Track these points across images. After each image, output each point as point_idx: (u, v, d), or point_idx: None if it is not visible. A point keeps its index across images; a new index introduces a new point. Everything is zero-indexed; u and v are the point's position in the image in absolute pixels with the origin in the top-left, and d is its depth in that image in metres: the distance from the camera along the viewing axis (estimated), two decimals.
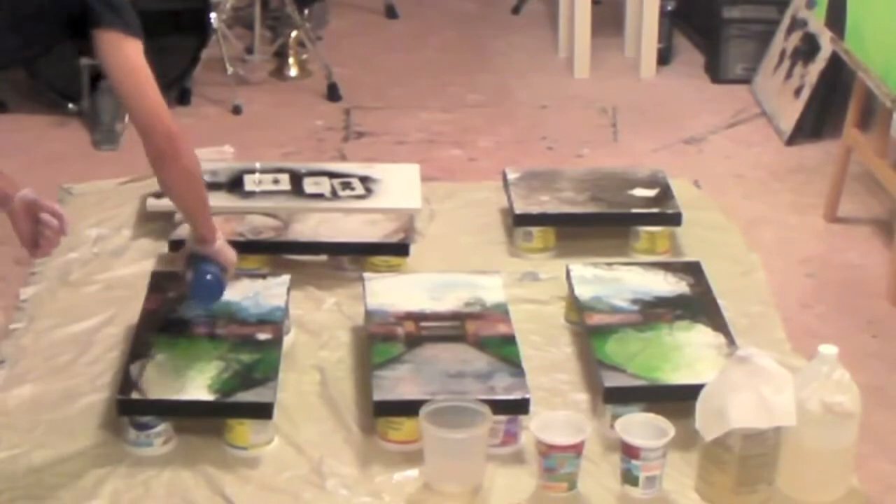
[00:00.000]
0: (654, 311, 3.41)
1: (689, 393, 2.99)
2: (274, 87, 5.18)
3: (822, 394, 2.88)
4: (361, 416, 3.19)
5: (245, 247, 3.74)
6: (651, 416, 3.01)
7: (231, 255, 3.25)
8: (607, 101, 5.08)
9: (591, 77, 5.29)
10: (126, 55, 2.87)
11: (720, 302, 3.48)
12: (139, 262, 3.86)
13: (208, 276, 3.16)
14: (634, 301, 3.45)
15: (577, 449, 2.94)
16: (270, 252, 3.80)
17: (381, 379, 3.12)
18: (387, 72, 5.36)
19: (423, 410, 2.95)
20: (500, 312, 3.40)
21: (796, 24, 4.94)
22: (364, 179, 4.01)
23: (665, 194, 4.00)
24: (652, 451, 2.93)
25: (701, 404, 2.94)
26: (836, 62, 4.51)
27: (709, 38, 5.32)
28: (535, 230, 3.91)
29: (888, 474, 3.10)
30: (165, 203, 3.93)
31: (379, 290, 3.48)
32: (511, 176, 4.11)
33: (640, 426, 2.97)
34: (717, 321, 3.38)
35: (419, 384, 3.10)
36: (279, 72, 5.25)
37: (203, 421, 3.11)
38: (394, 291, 3.47)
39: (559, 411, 3.13)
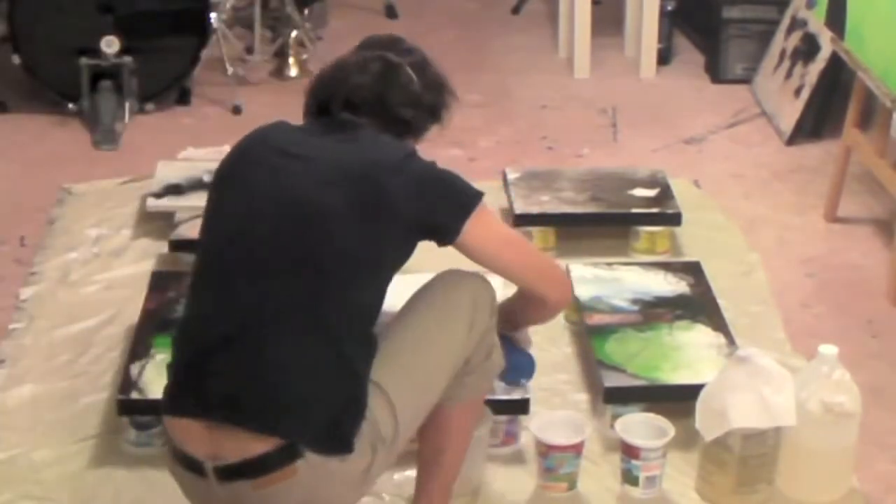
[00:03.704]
0: (654, 311, 3.41)
1: (689, 393, 2.99)
2: (274, 87, 5.18)
3: (822, 394, 2.88)
4: None
5: None
6: (651, 416, 3.01)
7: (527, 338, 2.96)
8: (607, 101, 5.08)
9: (591, 77, 5.29)
10: (492, 231, 2.66)
11: (720, 302, 3.48)
12: (139, 262, 3.86)
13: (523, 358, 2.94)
14: (634, 301, 3.46)
15: (576, 449, 2.94)
16: None
17: None
18: None
19: None
20: None
21: (796, 24, 4.93)
22: None
23: (665, 194, 4.00)
24: (652, 451, 2.93)
25: (701, 404, 2.94)
26: (836, 62, 4.50)
27: (709, 38, 5.32)
28: (535, 230, 3.91)
29: (888, 474, 3.10)
30: (165, 203, 3.95)
31: None
32: (511, 176, 4.11)
33: (640, 426, 2.97)
34: (717, 321, 3.38)
35: None
36: (279, 72, 5.25)
37: None
38: (394, 291, 3.45)
39: (559, 411, 3.13)
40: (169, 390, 2.57)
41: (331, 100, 2.66)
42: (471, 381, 2.68)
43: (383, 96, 2.63)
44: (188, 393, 2.51)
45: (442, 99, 2.72)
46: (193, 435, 2.48)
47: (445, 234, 2.60)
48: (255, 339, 2.47)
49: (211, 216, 2.63)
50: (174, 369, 2.56)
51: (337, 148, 2.59)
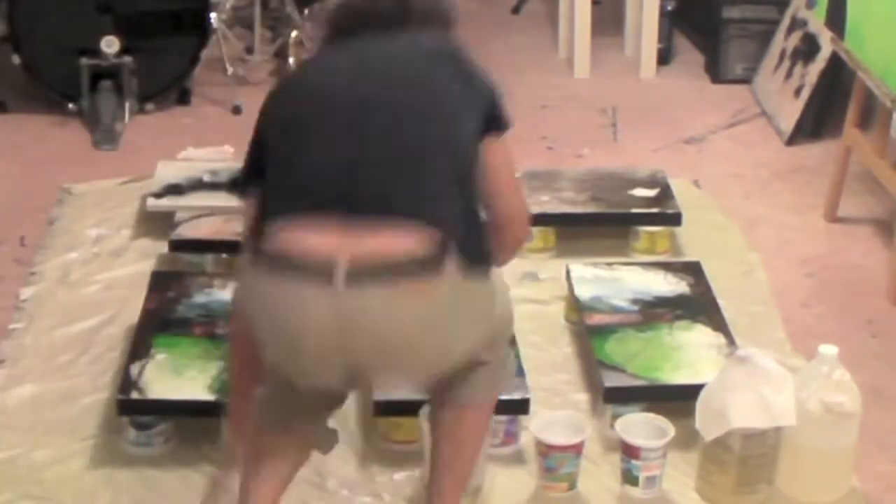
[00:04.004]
0: (654, 311, 3.41)
1: (689, 393, 2.99)
2: None
3: (822, 394, 2.88)
4: (361, 416, 3.19)
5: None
6: (651, 416, 3.01)
7: None
8: (607, 101, 5.08)
9: (591, 77, 5.29)
10: (507, 155, 2.82)
11: (720, 302, 3.48)
12: (139, 262, 3.86)
13: None
14: (634, 301, 3.45)
15: (576, 449, 2.94)
16: None
17: None
18: None
19: (424, 410, 2.95)
20: None
21: (796, 24, 4.94)
22: None
23: (665, 194, 4.00)
24: (652, 451, 2.93)
25: (701, 404, 2.94)
26: (836, 62, 4.51)
27: (709, 38, 5.32)
28: (535, 230, 3.91)
29: (888, 474, 3.10)
30: (165, 203, 3.95)
31: None
32: None
33: (640, 426, 2.98)
34: (717, 321, 3.38)
35: None
36: (279, 72, 5.25)
37: (203, 421, 3.11)
38: None
39: (559, 411, 3.13)
40: (285, 198, 2.47)
41: (363, 24, 2.65)
42: (485, 375, 2.69)
43: (407, 10, 2.67)
44: (325, 190, 2.43)
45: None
46: (324, 234, 2.38)
47: (502, 124, 2.75)
48: (394, 158, 2.48)
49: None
50: (286, 194, 2.47)
51: (409, 40, 2.64)
